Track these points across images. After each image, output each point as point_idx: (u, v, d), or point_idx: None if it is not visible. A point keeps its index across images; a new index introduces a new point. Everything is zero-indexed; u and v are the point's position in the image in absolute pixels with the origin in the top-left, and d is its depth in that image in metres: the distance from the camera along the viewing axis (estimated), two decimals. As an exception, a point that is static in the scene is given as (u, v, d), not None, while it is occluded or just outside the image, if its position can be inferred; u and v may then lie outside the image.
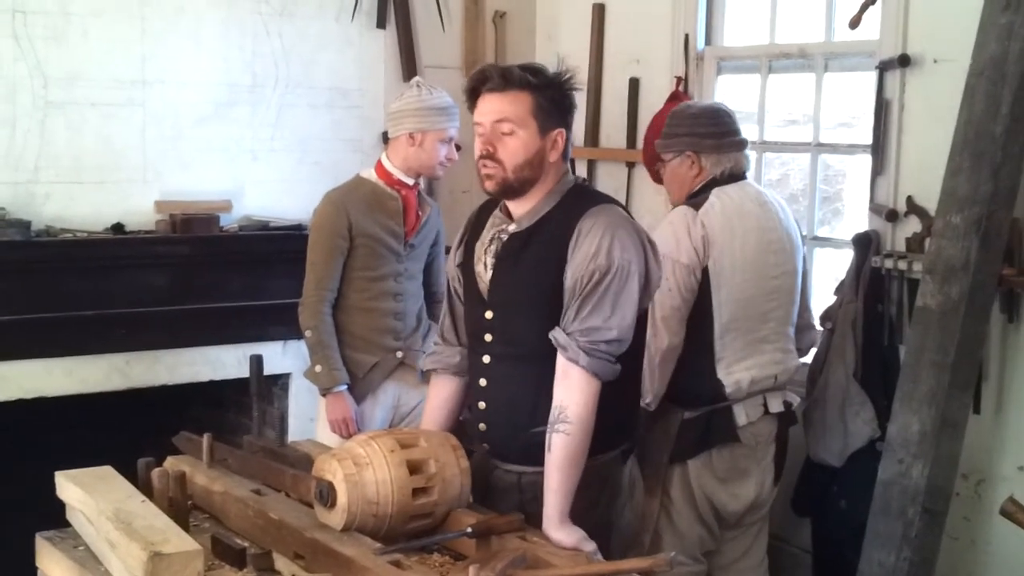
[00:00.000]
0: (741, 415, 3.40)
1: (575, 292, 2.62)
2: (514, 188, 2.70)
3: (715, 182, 3.44)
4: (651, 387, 3.31)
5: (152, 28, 4.55)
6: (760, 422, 3.45)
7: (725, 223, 3.36)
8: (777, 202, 3.55)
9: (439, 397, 2.94)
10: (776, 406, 3.48)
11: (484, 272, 2.78)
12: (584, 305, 2.60)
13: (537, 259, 2.69)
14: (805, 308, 3.67)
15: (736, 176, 3.48)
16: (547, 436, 2.61)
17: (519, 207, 2.75)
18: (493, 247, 2.77)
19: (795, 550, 4.31)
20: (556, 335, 2.62)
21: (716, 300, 3.34)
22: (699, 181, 3.47)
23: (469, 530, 2.48)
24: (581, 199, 2.74)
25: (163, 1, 4.57)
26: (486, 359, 2.78)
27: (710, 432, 3.39)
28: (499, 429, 2.76)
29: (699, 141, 3.46)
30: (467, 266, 2.85)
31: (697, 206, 3.38)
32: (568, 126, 2.74)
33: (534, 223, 2.72)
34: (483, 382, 2.79)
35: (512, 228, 2.75)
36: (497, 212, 2.81)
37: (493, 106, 2.67)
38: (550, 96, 2.69)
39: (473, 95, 2.72)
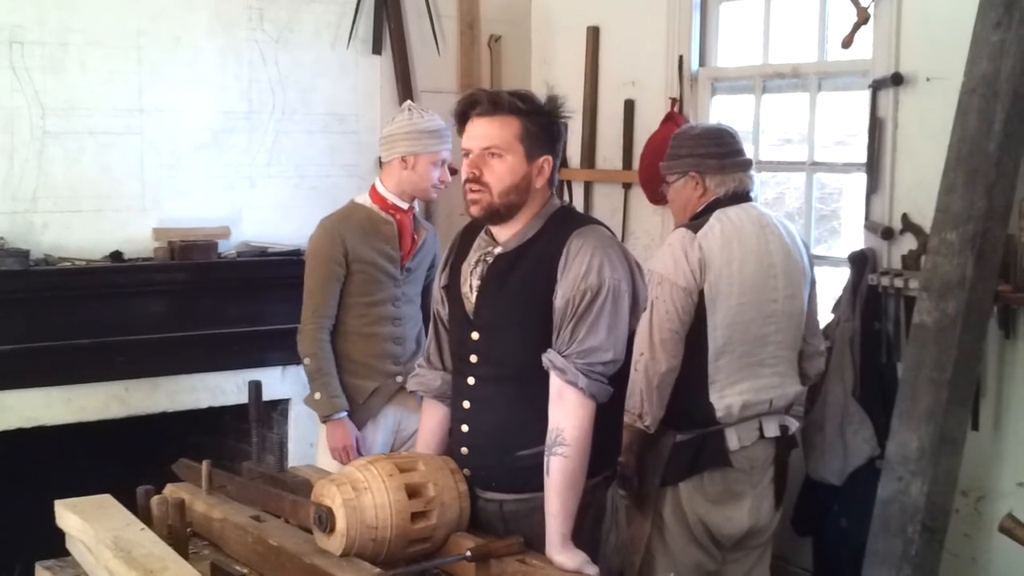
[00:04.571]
0: (733, 439, 3.38)
1: (567, 313, 2.62)
2: (500, 213, 2.71)
3: (718, 203, 3.44)
4: (649, 410, 3.31)
5: (149, 57, 4.58)
6: (755, 446, 3.43)
7: (724, 246, 3.35)
8: (782, 225, 3.53)
9: (432, 421, 2.94)
10: (772, 431, 3.45)
11: (470, 293, 2.78)
12: (579, 327, 2.61)
13: (524, 280, 2.69)
14: (812, 334, 3.61)
15: (740, 196, 3.47)
16: (545, 460, 2.60)
17: (504, 231, 2.76)
18: (479, 269, 2.77)
19: (797, 570, 4.30)
20: (551, 357, 2.61)
21: (711, 323, 3.33)
22: (703, 202, 3.47)
23: (468, 554, 2.48)
24: (567, 221, 2.75)
25: (160, 30, 4.60)
26: (471, 381, 2.77)
27: (702, 455, 3.37)
28: (482, 453, 2.74)
29: (702, 161, 3.46)
30: (452, 288, 2.85)
31: (696, 228, 3.38)
32: (556, 153, 2.75)
33: (520, 244, 2.73)
34: (467, 404, 2.78)
35: (498, 250, 2.76)
36: (482, 235, 2.82)
37: (481, 130, 2.69)
38: (538, 122, 2.71)
39: (462, 119, 2.74)
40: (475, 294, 2.76)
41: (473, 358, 2.76)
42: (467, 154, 2.72)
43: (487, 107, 2.69)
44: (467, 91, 2.82)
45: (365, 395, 3.87)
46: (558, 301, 2.63)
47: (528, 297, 2.68)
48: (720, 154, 3.47)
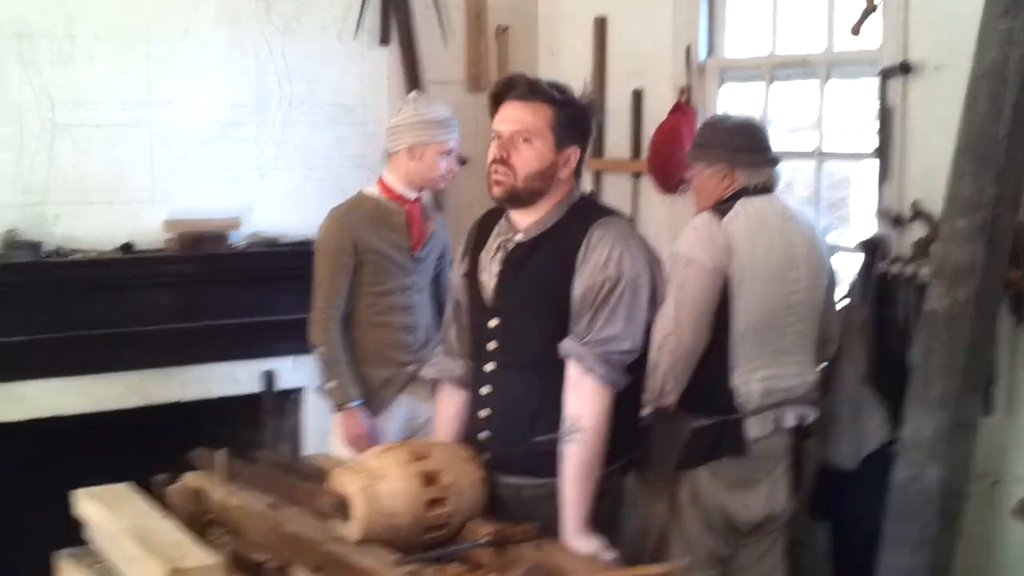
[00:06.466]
0: (752, 429, 3.38)
1: (586, 302, 2.63)
2: (521, 198, 2.73)
3: (745, 192, 3.46)
4: (673, 388, 3.31)
5: (157, 50, 4.59)
6: (772, 437, 3.43)
7: (747, 233, 3.36)
8: (805, 217, 3.55)
9: (450, 409, 2.95)
10: (789, 420, 3.46)
11: (489, 281, 2.80)
12: (598, 316, 2.62)
13: (543, 268, 2.71)
14: (829, 321, 3.65)
15: (767, 189, 3.49)
16: (561, 447, 2.61)
17: (524, 218, 2.78)
18: (499, 256, 2.79)
19: (814, 555, 4.30)
20: (569, 346, 2.62)
21: (734, 307, 3.33)
22: (729, 192, 3.48)
23: (485, 540, 2.49)
24: (588, 211, 2.77)
25: (168, 23, 4.61)
26: (489, 367, 2.79)
27: (719, 443, 3.37)
28: (501, 438, 2.76)
29: (734, 156, 3.46)
30: (471, 276, 2.87)
31: (722, 213, 3.38)
32: (584, 147, 2.78)
33: (541, 233, 2.75)
34: (485, 390, 2.80)
35: (519, 237, 2.77)
36: (502, 222, 2.84)
37: (514, 114, 2.71)
38: (570, 113, 2.73)
39: (497, 100, 2.76)
40: (494, 280, 2.77)
41: (491, 345, 2.78)
42: (497, 136, 2.74)
43: (523, 91, 2.72)
44: (505, 75, 2.83)
45: (378, 384, 3.88)
46: (576, 290, 2.64)
47: (546, 286, 2.69)
48: (753, 150, 3.48)
